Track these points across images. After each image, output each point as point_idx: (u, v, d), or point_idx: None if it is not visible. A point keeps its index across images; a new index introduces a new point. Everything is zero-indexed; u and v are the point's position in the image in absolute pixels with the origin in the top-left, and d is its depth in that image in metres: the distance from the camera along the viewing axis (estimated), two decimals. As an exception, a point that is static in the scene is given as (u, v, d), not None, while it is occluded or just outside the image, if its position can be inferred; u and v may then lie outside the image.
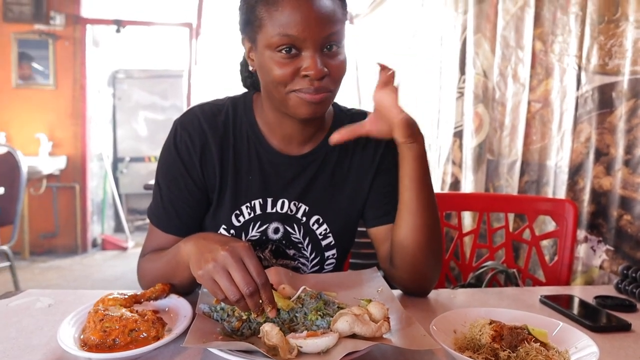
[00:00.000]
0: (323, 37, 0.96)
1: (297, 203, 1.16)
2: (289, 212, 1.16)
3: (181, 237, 1.08)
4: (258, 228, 1.16)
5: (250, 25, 1.01)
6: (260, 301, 0.84)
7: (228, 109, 1.15)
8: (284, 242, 1.18)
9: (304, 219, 1.17)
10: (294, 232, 1.17)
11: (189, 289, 1.07)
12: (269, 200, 1.15)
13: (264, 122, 1.14)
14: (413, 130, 1.04)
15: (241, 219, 1.14)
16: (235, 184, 1.13)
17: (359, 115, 1.22)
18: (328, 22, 0.96)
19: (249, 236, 1.16)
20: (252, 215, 1.15)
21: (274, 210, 1.15)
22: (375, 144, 1.20)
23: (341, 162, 1.19)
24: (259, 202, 1.14)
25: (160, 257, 1.07)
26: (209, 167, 1.12)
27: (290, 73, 0.98)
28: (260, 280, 0.83)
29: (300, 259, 1.20)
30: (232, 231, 1.14)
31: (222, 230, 1.15)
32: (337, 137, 1.07)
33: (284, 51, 0.97)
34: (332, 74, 1.00)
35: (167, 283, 1.01)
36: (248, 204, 1.14)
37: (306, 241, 1.19)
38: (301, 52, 0.97)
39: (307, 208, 1.17)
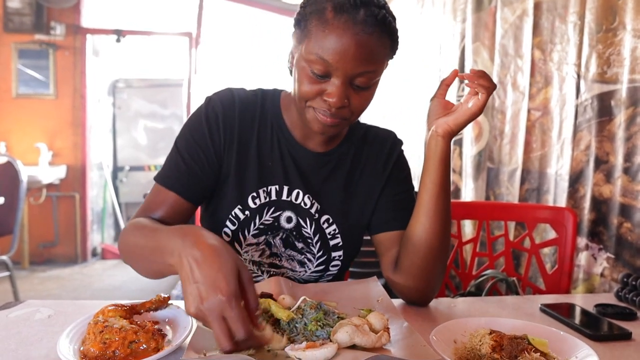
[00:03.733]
0: (355, 72, 0.99)
1: (311, 197, 1.20)
2: (302, 204, 1.19)
3: (184, 199, 1.11)
4: (272, 213, 1.18)
5: (298, 29, 1.05)
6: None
7: (258, 98, 1.20)
8: (294, 233, 1.20)
9: (317, 215, 1.20)
10: (305, 226, 1.20)
11: (162, 277, 1.01)
12: (285, 188, 1.18)
13: (288, 117, 1.19)
14: (454, 131, 1.07)
15: (257, 201, 1.17)
16: (256, 168, 1.17)
17: (371, 128, 1.29)
18: (365, 60, 0.98)
19: (262, 219, 1.18)
20: (267, 199, 1.18)
21: (289, 199, 1.19)
22: (387, 154, 1.25)
23: (354, 169, 1.24)
24: (276, 188, 1.18)
25: (145, 236, 0.98)
26: (230, 142, 1.16)
27: (315, 92, 1.02)
28: (240, 337, 0.75)
29: (308, 254, 1.22)
30: (247, 212, 1.16)
31: (237, 211, 1.16)
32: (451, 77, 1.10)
33: (316, 72, 1.00)
34: (353, 107, 1.04)
35: (167, 295, 1.01)
36: (265, 189, 1.17)
37: (316, 238, 1.21)
38: (331, 77, 1.00)
39: (319, 206, 1.20)
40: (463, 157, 2.98)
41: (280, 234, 1.20)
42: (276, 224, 1.19)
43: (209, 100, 1.17)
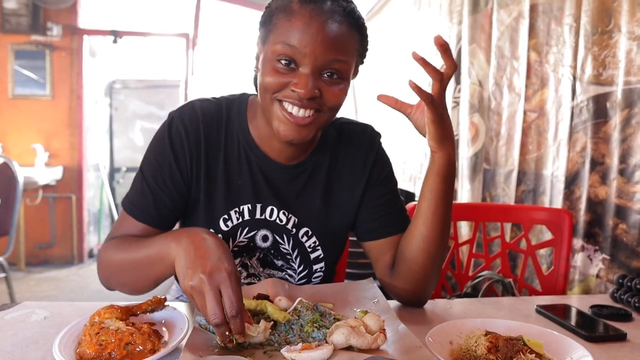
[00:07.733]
0: (324, 60, 0.95)
1: (286, 213, 1.15)
2: (278, 221, 1.15)
3: (153, 227, 1.07)
4: (246, 234, 1.14)
5: (264, 28, 1.02)
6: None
7: (222, 108, 1.14)
8: (272, 251, 1.17)
9: (294, 230, 1.16)
10: (282, 243, 1.17)
11: (152, 289, 1.04)
12: (258, 206, 1.14)
13: (255, 128, 1.13)
14: (442, 137, 0.99)
15: (229, 223, 1.13)
16: (225, 188, 1.12)
17: (346, 125, 1.23)
18: (334, 48, 0.95)
19: (236, 242, 1.14)
20: (240, 220, 1.13)
21: (263, 217, 1.14)
22: (364, 155, 1.20)
23: (331, 175, 1.19)
24: (248, 207, 1.13)
25: (134, 247, 1.01)
26: (197, 165, 1.11)
27: (281, 84, 0.97)
28: (232, 312, 0.79)
29: (288, 271, 1.19)
30: (219, 235, 1.12)
31: None
32: (383, 99, 1.02)
33: (282, 61, 0.96)
34: (325, 99, 0.99)
35: (164, 296, 1.01)
36: (237, 209, 1.13)
37: (295, 253, 1.18)
38: (298, 68, 0.96)
39: (297, 220, 1.16)
40: (459, 159, 2.99)
41: (257, 254, 1.17)
42: (252, 244, 1.15)
43: (171, 119, 1.11)
